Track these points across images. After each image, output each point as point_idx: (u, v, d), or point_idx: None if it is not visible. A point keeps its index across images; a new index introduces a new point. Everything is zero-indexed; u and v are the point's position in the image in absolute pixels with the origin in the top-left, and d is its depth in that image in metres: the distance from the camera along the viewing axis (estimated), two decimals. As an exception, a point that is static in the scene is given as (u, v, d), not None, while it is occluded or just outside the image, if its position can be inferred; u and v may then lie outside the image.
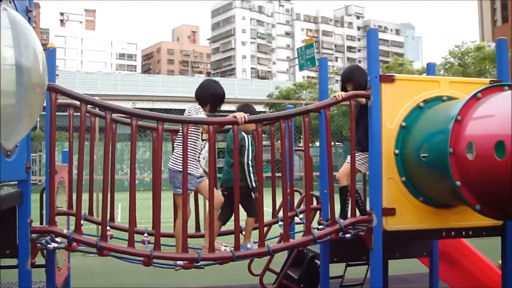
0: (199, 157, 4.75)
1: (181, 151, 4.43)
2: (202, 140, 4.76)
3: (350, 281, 6.93)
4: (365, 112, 4.55)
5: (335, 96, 4.53)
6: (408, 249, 5.56)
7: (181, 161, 4.44)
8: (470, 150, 3.60)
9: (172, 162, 4.68)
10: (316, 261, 5.97)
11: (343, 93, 4.58)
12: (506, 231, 4.64)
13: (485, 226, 4.56)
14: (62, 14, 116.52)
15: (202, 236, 5.41)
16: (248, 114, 4.54)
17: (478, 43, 42.89)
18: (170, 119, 4.47)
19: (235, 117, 4.46)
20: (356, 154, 4.74)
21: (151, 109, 6.90)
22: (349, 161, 4.71)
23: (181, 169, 4.44)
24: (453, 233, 4.55)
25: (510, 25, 53.20)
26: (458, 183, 3.68)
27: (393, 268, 7.62)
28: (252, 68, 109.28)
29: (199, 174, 4.77)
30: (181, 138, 4.48)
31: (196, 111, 4.69)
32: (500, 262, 4.84)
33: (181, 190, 4.55)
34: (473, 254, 6.30)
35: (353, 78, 5.09)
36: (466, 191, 3.69)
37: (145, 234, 4.99)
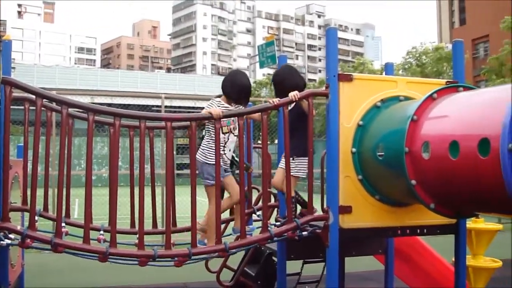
0: (224, 150, 4.83)
1: (208, 143, 4.75)
2: (224, 133, 4.77)
3: (307, 278, 6.98)
4: (304, 117, 4.57)
5: (294, 96, 4.50)
6: (364, 247, 5.62)
7: (207, 153, 4.76)
8: (426, 149, 3.65)
9: (199, 154, 4.81)
10: (274, 258, 5.99)
11: (296, 92, 4.53)
12: (459, 229, 4.72)
13: (439, 224, 4.62)
14: (20, 6, 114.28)
15: (160, 232, 5.39)
16: None
17: (436, 44, 43.60)
18: (127, 114, 4.42)
19: (210, 113, 4.47)
20: (295, 160, 4.76)
21: (110, 104, 6.84)
22: (283, 167, 4.73)
23: (206, 161, 4.76)
24: (408, 231, 4.60)
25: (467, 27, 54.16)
26: (413, 182, 3.72)
27: (351, 265, 7.71)
28: (212, 64, 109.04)
29: (225, 167, 4.90)
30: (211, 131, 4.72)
31: (209, 105, 4.78)
32: (453, 259, 4.93)
33: (209, 181, 4.75)
34: (427, 251, 6.41)
35: (286, 79, 4.97)
36: (421, 190, 3.74)
37: (101, 231, 4.94)
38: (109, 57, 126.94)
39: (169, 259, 4.37)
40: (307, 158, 4.58)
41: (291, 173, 4.61)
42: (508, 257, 9.59)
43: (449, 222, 4.61)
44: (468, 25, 55.12)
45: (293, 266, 6.35)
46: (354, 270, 8.85)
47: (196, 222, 4.45)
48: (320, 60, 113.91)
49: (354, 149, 4.36)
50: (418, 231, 4.66)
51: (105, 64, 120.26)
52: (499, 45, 32.05)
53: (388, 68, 5.70)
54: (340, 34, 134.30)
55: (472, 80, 41.99)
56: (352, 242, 5.32)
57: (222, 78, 5.16)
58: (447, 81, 4.66)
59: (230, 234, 5.20)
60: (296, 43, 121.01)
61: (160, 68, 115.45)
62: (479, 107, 3.45)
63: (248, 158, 5.01)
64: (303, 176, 4.83)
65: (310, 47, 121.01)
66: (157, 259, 4.27)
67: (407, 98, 4.52)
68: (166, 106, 13.24)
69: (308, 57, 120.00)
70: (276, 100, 4.57)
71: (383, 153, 4.12)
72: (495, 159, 2.91)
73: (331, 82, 4.39)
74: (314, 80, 74.74)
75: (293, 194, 4.73)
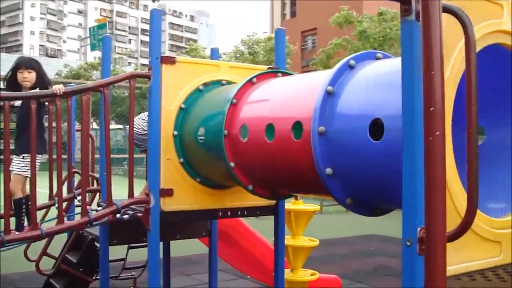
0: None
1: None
2: None
3: (133, 264, 6.91)
4: (41, 111, 4.55)
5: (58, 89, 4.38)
6: (188, 230, 5.65)
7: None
8: (244, 132, 3.72)
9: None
10: (96, 244, 5.84)
11: (61, 86, 4.44)
12: (278, 210, 4.89)
13: (259, 206, 4.76)
14: None
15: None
16: None
17: (269, 34, 44.91)
18: None
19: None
20: (16, 158, 4.71)
21: None
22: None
23: None
24: (229, 213, 4.69)
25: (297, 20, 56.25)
26: (232, 164, 3.78)
27: (179, 249, 7.74)
28: (40, 45, 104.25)
29: None
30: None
31: None
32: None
33: None
34: (249, 233, 6.60)
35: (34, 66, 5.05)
36: (239, 172, 3.81)
37: None
38: None
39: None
40: (28, 156, 4.53)
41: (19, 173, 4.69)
42: (324, 237, 10.18)
43: (269, 203, 4.77)
44: (298, 17, 57.32)
45: (120, 251, 6.26)
46: (182, 254, 8.94)
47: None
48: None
49: (175, 132, 4.35)
50: (239, 213, 4.77)
51: None
52: (327, 38, 33.76)
53: (213, 53, 5.76)
54: (174, 20, 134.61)
55: (300, 71, 43.71)
56: (176, 225, 5.32)
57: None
58: (269, 67, 4.79)
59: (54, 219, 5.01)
60: (129, 27, 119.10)
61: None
62: (295, 92, 3.58)
63: (68, 141, 4.82)
64: (29, 175, 4.70)
65: (144, 31, 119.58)
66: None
67: (229, 83, 4.58)
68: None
69: (141, 41, 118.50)
70: (61, 87, 4.43)
71: (203, 136, 4.15)
72: (306, 141, 3.02)
73: (154, 64, 4.33)
74: (147, 65, 73.94)
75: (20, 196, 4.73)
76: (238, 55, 42.63)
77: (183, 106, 4.38)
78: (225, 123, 3.78)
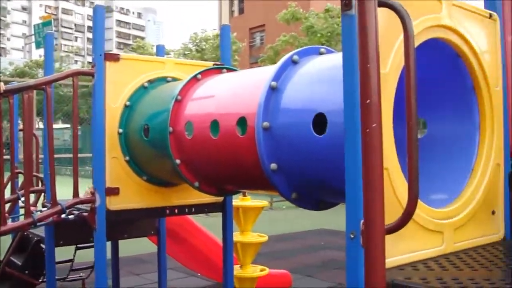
0: None
1: None
2: None
3: (81, 265, 6.81)
4: None
5: None
6: (136, 229, 5.60)
7: None
8: (189, 129, 3.70)
9: None
10: (42, 245, 5.73)
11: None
12: (226, 207, 4.88)
13: (207, 203, 4.75)
14: None
15: None
16: None
17: (217, 31, 44.87)
18: None
19: None
20: None
21: None
22: None
23: None
24: (176, 210, 4.67)
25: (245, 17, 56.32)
26: (177, 161, 3.76)
27: (129, 248, 7.66)
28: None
29: None
30: None
31: None
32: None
33: None
34: (198, 230, 6.59)
35: None
36: (185, 169, 3.79)
37: None
38: None
39: None
40: None
41: None
42: (274, 233, 10.25)
43: (216, 200, 4.76)
44: (246, 14, 57.44)
45: (69, 252, 6.16)
46: (132, 253, 8.86)
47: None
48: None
49: (121, 130, 4.30)
50: (187, 210, 4.75)
51: None
52: (275, 34, 33.98)
53: (159, 50, 5.71)
54: (122, 18, 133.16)
55: (249, 67, 43.86)
56: (123, 224, 5.26)
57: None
58: (214, 64, 4.78)
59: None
60: (75, 24, 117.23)
61: None
62: (240, 88, 3.57)
63: (11, 140, 4.72)
64: None
65: (90, 28, 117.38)
66: None
67: (174, 79, 4.56)
68: None
69: (88, 39, 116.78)
70: (1, 85, 4.32)
71: (149, 134, 4.12)
72: (251, 137, 3.02)
73: (97, 62, 4.27)
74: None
75: None
76: (186, 52, 42.48)
77: (128, 103, 4.34)
78: (170, 120, 3.76)
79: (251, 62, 46.97)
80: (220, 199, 4.77)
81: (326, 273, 8.47)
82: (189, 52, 42.32)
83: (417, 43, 2.44)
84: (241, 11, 60.22)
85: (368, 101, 1.66)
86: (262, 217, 6.51)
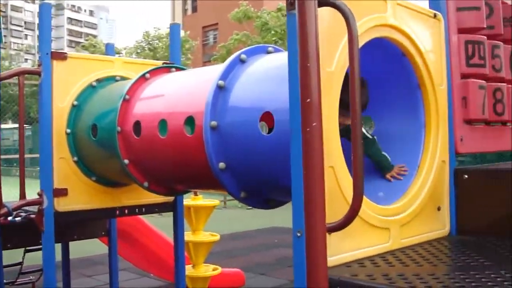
0: None
1: None
2: None
3: (31, 267, 6.67)
4: None
5: None
6: (86, 230, 5.51)
7: None
8: (137, 129, 3.66)
9: None
10: (-11, 249, 5.60)
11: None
12: (177, 206, 4.85)
13: (158, 203, 4.72)
14: None
15: None
16: None
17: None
18: None
19: None
20: None
21: None
22: None
23: None
24: (126, 211, 4.62)
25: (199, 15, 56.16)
26: (126, 161, 3.72)
27: (79, 250, 7.54)
28: None
29: None
30: None
31: None
32: None
33: None
34: (149, 230, 6.54)
35: None
36: (134, 169, 3.75)
37: None
38: None
39: None
40: None
41: None
42: (227, 231, 10.26)
43: (167, 200, 4.73)
44: (199, 12, 57.29)
45: (18, 255, 6.03)
46: (83, 254, 8.74)
47: None
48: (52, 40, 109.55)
49: (68, 130, 4.24)
50: (137, 210, 4.70)
51: None
52: (228, 33, 33.98)
53: (108, 49, 5.64)
54: (73, 15, 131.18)
55: (202, 65, 43.86)
56: (73, 225, 5.18)
57: None
58: (164, 62, 4.74)
59: None
60: (25, 22, 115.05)
61: None
62: (188, 87, 3.56)
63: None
64: None
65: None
66: None
67: (123, 78, 4.52)
68: None
69: (38, 36, 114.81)
70: None
71: (97, 134, 4.06)
72: (199, 136, 3.01)
73: (44, 60, 4.19)
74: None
75: None
76: (139, 51, 42.13)
77: (75, 103, 4.28)
78: (118, 120, 3.71)
79: (204, 60, 46.89)
80: (171, 199, 4.74)
81: (279, 271, 8.50)
82: (141, 50, 41.96)
83: (362, 42, 2.47)
84: (194, 9, 60.02)
85: (308, 100, 1.66)
86: (216, 216, 6.50)
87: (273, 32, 30.11)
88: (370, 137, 3.08)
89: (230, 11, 33.24)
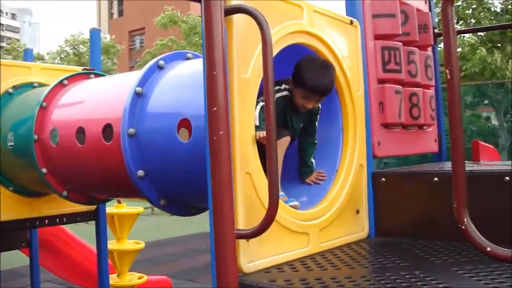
0: None
1: None
2: None
3: None
4: None
5: None
6: (6, 241, 5.33)
7: None
8: (55, 137, 3.57)
9: None
10: None
11: None
12: (99, 215, 4.76)
13: (79, 212, 4.62)
14: None
15: None
16: None
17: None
18: None
19: None
20: None
21: None
22: None
23: None
24: (46, 221, 4.50)
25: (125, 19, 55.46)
26: (44, 170, 3.63)
27: (10, 262, 7.29)
28: None
29: None
30: None
31: None
32: None
33: None
34: (72, 240, 6.39)
35: None
36: (52, 178, 3.66)
37: None
38: None
39: None
40: None
41: None
42: (154, 239, 10.15)
43: (89, 209, 4.64)
44: (125, 17, 56.61)
45: None
46: (5, 267, 8.45)
47: None
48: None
49: (-17, 139, 4.10)
50: (58, 220, 4.59)
51: None
52: (155, 38, 33.68)
53: (26, 54, 5.49)
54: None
55: (128, 70, 43.37)
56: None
57: None
58: (84, 68, 4.64)
59: None
60: None
61: None
62: (106, 94, 3.50)
63: None
64: None
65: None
66: None
67: (41, 85, 4.41)
68: None
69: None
70: None
71: (13, 142, 3.94)
72: (117, 144, 2.96)
73: (-44, 67, 4.05)
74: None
75: None
76: (62, 56, 41.21)
77: (-10, 111, 4.14)
78: (34, 128, 3.62)
79: (130, 65, 46.36)
80: (93, 207, 4.66)
81: (207, 277, 8.44)
82: (65, 55, 41.05)
83: (279, 48, 2.48)
84: (120, 13, 59.26)
85: (214, 108, 1.65)
86: (143, 223, 6.42)
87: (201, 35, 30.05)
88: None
89: (157, 15, 32.93)
